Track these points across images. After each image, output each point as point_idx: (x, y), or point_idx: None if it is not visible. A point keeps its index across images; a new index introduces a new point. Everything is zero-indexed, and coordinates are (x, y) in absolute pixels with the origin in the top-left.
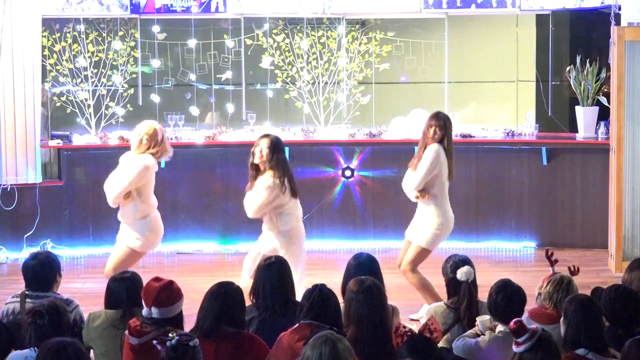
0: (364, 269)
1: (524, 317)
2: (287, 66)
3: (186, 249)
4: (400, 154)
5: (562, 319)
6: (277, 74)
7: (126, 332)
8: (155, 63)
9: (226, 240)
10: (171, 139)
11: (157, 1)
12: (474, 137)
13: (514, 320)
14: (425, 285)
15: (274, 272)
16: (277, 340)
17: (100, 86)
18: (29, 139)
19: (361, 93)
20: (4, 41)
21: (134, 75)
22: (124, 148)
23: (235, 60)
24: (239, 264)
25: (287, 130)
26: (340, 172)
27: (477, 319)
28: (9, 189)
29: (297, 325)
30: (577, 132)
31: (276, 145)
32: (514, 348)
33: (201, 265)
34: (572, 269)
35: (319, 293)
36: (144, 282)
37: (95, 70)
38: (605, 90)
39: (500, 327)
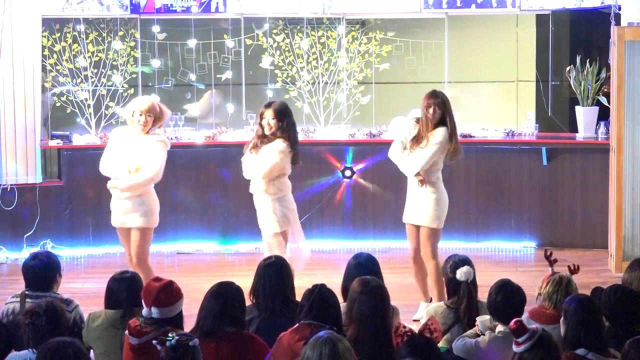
0: (364, 269)
1: (524, 317)
2: (287, 66)
3: (186, 249)
4: None
5: (562, 319)
6: (277, 74)
7: (126, 332)
8: (155, 63)
9: (226, 240)
10: (171, 139)
11: (157, 1)
12: (474, 137)
13: (514, 320)
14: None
15: (274, 272)
16: (277, 340)
17: (100, 86)
18: (29, 139)
19: (361, 93)
20: (4, 41)
21: (134, 75)
22: None
23: (235, 60)
24: (239, 264)
25: None
26: (340, 172)
27: (477, 319)
28: (9, 189)
29: (297, 325)
30: (577, 132)
31: (282, 112)
32: (514, 348)
33: (201, 265)
34: (571, 267)
35: (320, 293)
36: (144, 282)
37: (95, 70)
38: (605, 90)
39: (500, 327)
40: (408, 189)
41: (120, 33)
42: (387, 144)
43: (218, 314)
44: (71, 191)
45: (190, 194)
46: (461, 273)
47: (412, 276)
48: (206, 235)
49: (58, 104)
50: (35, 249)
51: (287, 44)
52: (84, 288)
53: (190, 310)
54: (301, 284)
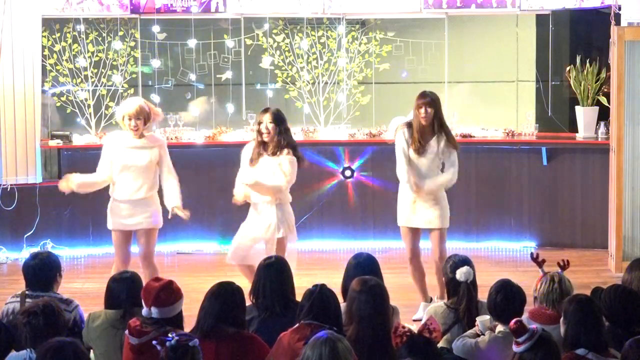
0: (364, 269)
1: (524, 317)
2: (287, 66)
3: (186, 249)
4: None
5: (562, 319)
6: (277, 74)
7: (126, 332)
8: (155, 63)
9: (226, 240)
10: (171, 139)
11: (157, 1)
12: (474, 137)
13: (514, 320)
14: None
15: (274, 272)
16: (277, 340)
17: (100, 86)
18: (29, 139)
19: (361, 93)
20: (4, 41)
21: (134, 75)
22: None
23: (235, 60)
24: None
25: None
26: (340, 172)
27: (477, 319)
28: (9, 189)
29: (297, 325)
30: (577, 132)
31: (279, 117)
32: (514, 348)
33: (201, 265)
34: (561, 263)
35: (320, 293)
36: (144, 282)
37: (95, 70)
38: (605, 90)
39: (500, 327)
40: (406, 194)
41: (120, 33)
42: (387, 144)
43: (218, 314)
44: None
45: (190, 194)
46: (461, 273)
47: (410, 276)
48: (206, 235)
49: (58, 104)
50: (35, 249)
51: (287, 44)
52: (84, 288)
53: (190, 310)
54: (301, 284)
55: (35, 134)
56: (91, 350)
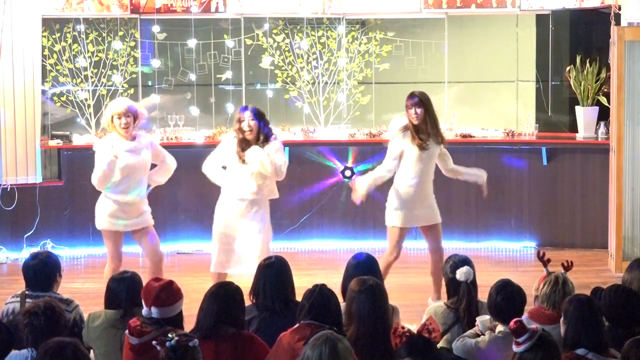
0: (364, 269)
1: (524, 317)
2: (287, 66)
3: (186, 249)
4: None
5: (562, 319)
6: (277, 74)
7: (126, 332)
8: (155, 63)
9: None
10: (171, 139)
11: (157, 1)
12: (474, 137)
13: (514, 320)
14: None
15: (273, 272)
16: (277, 340)
17: (100, 86)
18: (29, 139)
19: (361, 93)
20: (4, 41)
21: (134, 75)
22: None
23: (235, 60)
24: None
25: (287, 130)
26: (340, 172)
27: (477, 319)
28: (9, 189)
29: (297, 325)
30: (577, 132)
31: (260, 113)
32: (514, 348)
33: (201, 265)
34: (565, 264)
35: (320, 293)
36: (144, 282)
37: (95, 70)
38: (605, 90)
39: (500, 327)
40: (403, 194)
41: (120, 33)
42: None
43: (217, 314)
44: (71, 191)
45: (190, 194)
46: (461, 273)
47: (410, 276)
48: (206, 235)
49: (58, 104)
50: (35, 249)
51: (287, 44)
52: (84, 288)
53: (190, 310)
54: (301, 284)
55: (35, 134)
56: (91, 350)
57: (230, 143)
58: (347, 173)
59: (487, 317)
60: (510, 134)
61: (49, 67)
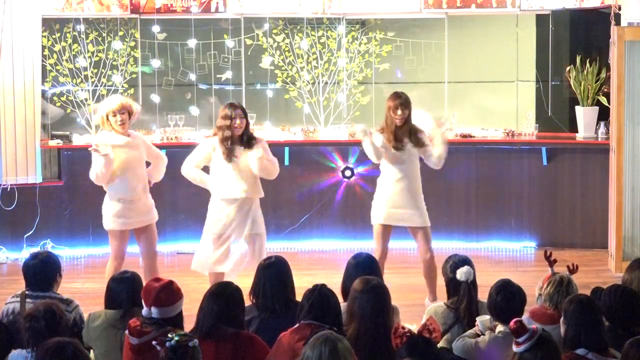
0: (364, 269)
1: (525, 317)
2: (287, 66)
3: (186, 249)
4: None
5: (562, 319)
6: (277, 74)
7: (126, 332)
8: (155, 63)
9: None
10: (171, 139)
11: (157, 1)
12: (474, 137)
13: (514, 320)
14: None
15: (273, 272)
16: (277, 340)
17: (100, 86)
18: (29, 139)
19: (361, 93)
20: (4, 41)
21: (134, 75)
22: None
23: (235, 60)
24: None
25: (287, 130)
26: (340, 172)
27: (477, 319)
28: (9, 189)
29: (297, 325)
30: (577, 132)
31: (245, 111)
32: (514, 348)
33: None
34: (571, 267)
35: (319, 293)
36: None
37: (95, 70)
38: (605, 90)
39: (500, 327)
40: (385, 194)
41: (120, 33)
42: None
43: (217, 314)
44: (71, 191)
45: (190, 194)
46: (461, 273)
47: (410, 276)
48: None
49: (58, 104)
50: (35, 249)
51: (287, 44)
52: (84, 288)
53: (190, 310)
54: (301, 284)
55: (35, 134)
56: (91, 350)
57: (211, 144)
58: (347, 173)
59: (487, 317)
60: (510, 134)
61: (49, 67)
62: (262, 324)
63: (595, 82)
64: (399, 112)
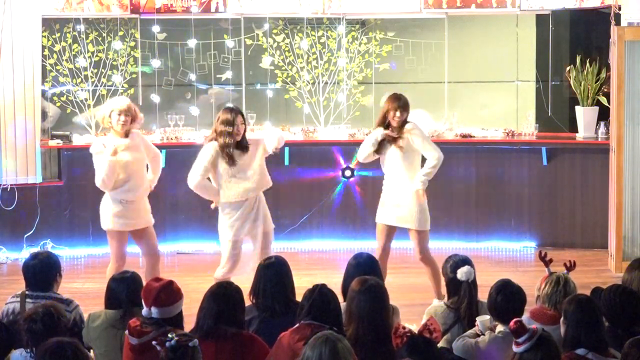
0: (364, 269)
1: (525, 317)
2: (287, 66)
3: (186, 249)
4: None
5: (562, 319)
6: (277, 74)
7: (126, 332)
8: (155, 63)
9: None
10: (171, 139)
11: (157, 1)
12: (474, 137)
13: (514, 320)
14: (439, 272)
15: (273, 272)
16: (277, 340)
17: (100, 86)
18: (29, 139)
19: (361, 93)
20: (4, 41)
21: (134, 75)
22: None
23: (235, 60)
24: None
25: (287, 130)
26: (340, 172)
27: (477, 319)
28: (9, 189)
29: (297, 325)
30: (577, 132)
31: (243, 114)
32: (514, 348)
33: (201, 265)
34: (568, 264)
35: (319, 293)
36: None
37: (95, 70)
38: (605, 90)
39: (500, 327)
40: (383, 193)
41: (120, 33)
42: None
43: (217, 314)
44: (71, 191)
45: (190, 194)
46: (462, 273)
47: (410, 276)
48: (206, 235)
49: (58, 104)
50: (35, 249)
51: (287, 44)
52: (84, 288)
53: (190, 310)
54: (301, 284)
55: (35, 134)
56: (91, 350)
57: (212, 150)
58: (347, 173)
59: (487, 317)
60: (510, 134)
61: (49, 67)
62: (262, 324)
63: (595, 82)
64: (398, 114)
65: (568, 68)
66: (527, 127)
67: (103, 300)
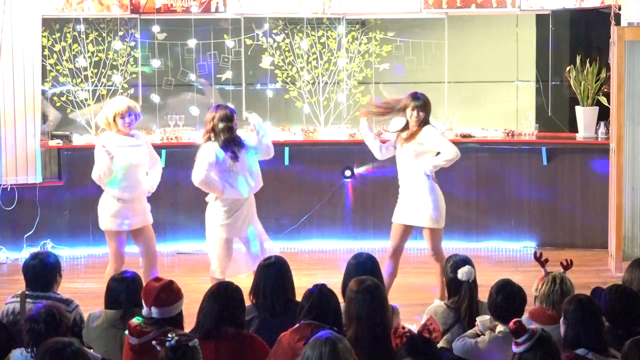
0: (364, 269)
1: (525, 317)
2: (287, 66)
3: (186, 249)
4: None
5: (562, 319)
6: (277, 74)
7: (126, 332)
8: (155, 63)
9: None
10: (171, 139)
11: (157, 1)
12: (474, 137)
13: (514, 320)
14: None
15: (273, 272)
16: (277, 340)
17: (100, 86)
18: (29, 139)
19: (361, 93)
20: (4, 41)
21: (134, 75)
22: None
23: (235, 60)
24: None
25: (287, 131)
26: (340, 173)
27: (477, 319)
28: (9, 189)
29: (297, 325)
30: (577, 132)
31: None
32: (514, 348)
33: (201, 265)
34: (564, 263)
35: (319, 293)
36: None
37: (95, 70)
38: (605, 90)
39: (500, 327)
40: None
41: (120, 33)
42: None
43: (217, 314)
44: (71, 191)
45: (190, 194)
46: (462, 273)
47: (410, 276)
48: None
49: (58, 104)
50: (35, 249)
51: (287, 44)
52: (84, 288)
53: (190, 310)
54: (301, 284)
55: (35, 134)
56: (91, 350)
57: (214, 149)
58: (347, 173)
59: (487, 317)
60: (510, 134)
61: (49, 67)
62: (262, 324)
63: (595, 82)
64: (416, 113)
65: (568, 68)
66: (527, 127)
67: (103, 300)
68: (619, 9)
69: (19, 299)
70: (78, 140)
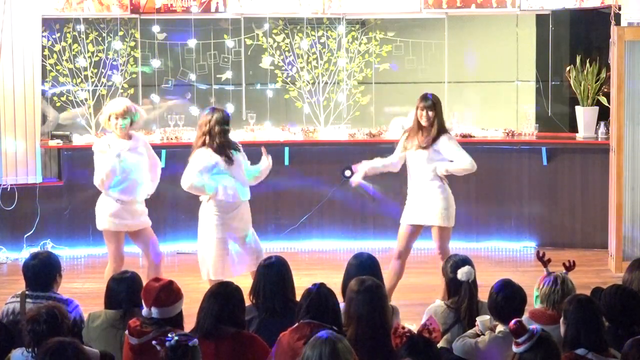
0: (364, 269)
1: (525, 317)
2: (287, 66)
3: (186, 249)
4: None
5: (562, 319)
6: (277, 74)
7: (126, 332)
8: (155, 63)
9: None
10: (171, 139)
11: (157, 1)
12: (474, 137)
13: (514, 320)
14: None
15: (273, 272)
16: (277, 340)
17: (100, 86)
18: (29, 139)
19: (361, 93)
20: (4, 41)
21: (134, 75)
22: None
23: (235, 60)
24: None
25: (287, 131)
26: (340, 172)
27: (477, 319)
28: (9, 189)
29: (297, 324)
30: (577, 132)
31: None
32: (514, 348)
33: None
34: (567, 264)
35: (317, 292)
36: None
37: (95, 70)
38: (605, 90)
39: (500, 327)
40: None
41: (120, 33)
42: (388, 144)
43: (217, 314)
44: (71, 191)
45: (190, 194)
46: (462, 273)
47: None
48: None
49: (58, 104)
50: (35, 249)
51: (287, 44)
52: (84, 288)
53: (190, 310)
54: (301, 284)
55: (35, 134)
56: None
57: (208, 154)
58: (347, 173)
59: (487, 317)
60: (510, 134)
61: (49, 67)
62: (262, 324)
63: (595, 82)
64: (425, 113)
65: (568, 68)
66: (527, 127)
67: (103, 300)
68: (619, 9)
69: (19, 299)
70: (78, 140)
